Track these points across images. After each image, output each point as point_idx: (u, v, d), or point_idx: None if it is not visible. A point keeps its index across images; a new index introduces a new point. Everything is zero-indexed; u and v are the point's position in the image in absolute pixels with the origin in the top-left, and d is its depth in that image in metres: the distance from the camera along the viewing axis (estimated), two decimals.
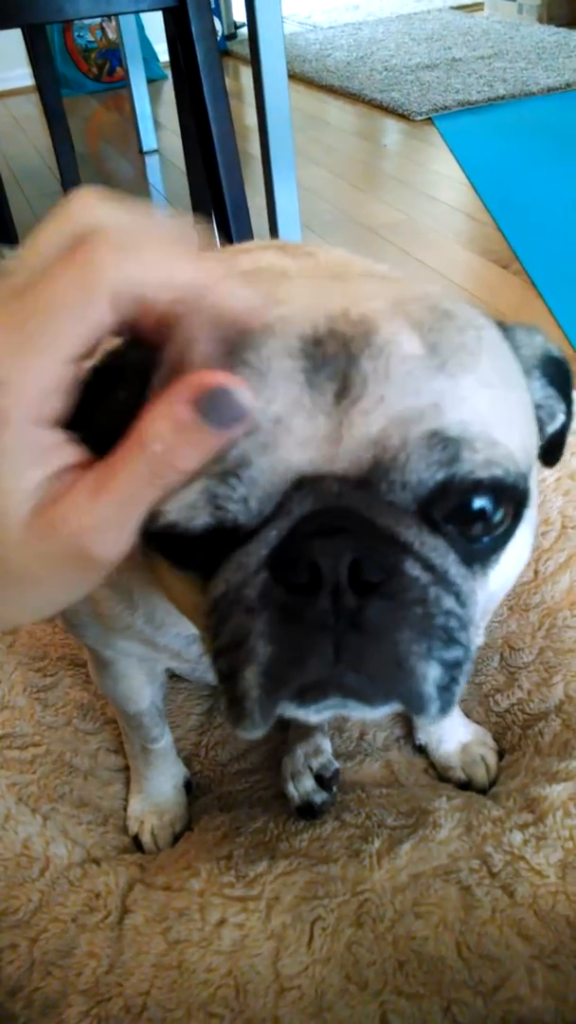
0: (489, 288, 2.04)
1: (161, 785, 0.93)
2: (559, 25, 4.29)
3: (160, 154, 3.34)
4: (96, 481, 0.36)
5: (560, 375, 0.53)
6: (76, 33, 4.27)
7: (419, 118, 3.26)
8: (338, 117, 3.59)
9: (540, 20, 4.43)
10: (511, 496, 0.43)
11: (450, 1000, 0.65)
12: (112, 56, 4.32)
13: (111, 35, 4.23)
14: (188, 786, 0.96)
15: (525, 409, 0.48)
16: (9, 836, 0.82)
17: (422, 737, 0.95)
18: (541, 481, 1.10)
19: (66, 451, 0.37)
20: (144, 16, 3.48)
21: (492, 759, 0.91)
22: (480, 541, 0.43)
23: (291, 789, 0.87)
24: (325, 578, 0.39)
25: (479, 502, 0.42)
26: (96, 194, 0.39)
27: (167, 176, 3.15)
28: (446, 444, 0.39)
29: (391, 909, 0.71)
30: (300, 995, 0.67)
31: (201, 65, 1.36)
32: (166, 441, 0.36)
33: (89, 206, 0.38)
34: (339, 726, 0.98)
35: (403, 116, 3.33)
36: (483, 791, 0.89)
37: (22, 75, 4.03)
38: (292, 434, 0.40)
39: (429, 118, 3.25)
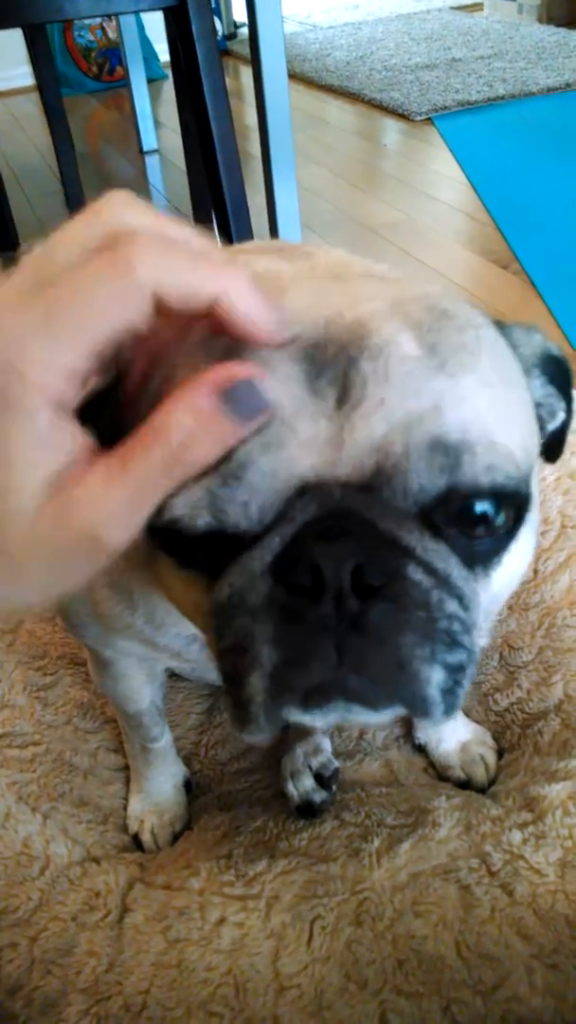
0: (488, 288, 2.04)
1: (161, 784, 0.93)
2: (559, 25, 4.29)
3: (160, 154, 3.33)
4: (110, 469, 0.36)
5: (559, 373, 0.53)
6: (76, 32, 4.27)
7: (419, 118, 3.26)
8: (338, 117, 3.59)
9: (540, 20, 4.43)
10: (512, 499, 0.43)
11: (449, 999, 0.65)
12: (112, 55, 4.32)
13: (111, 34, 4.23)
14: (188, 785, 0.96)
15: (525, 408, 0.48)
16: (9, 835, 0.82)
17: (421, 736, 0.95)
18: (541, 480, 1.10)
19: (79, 439, 0.38)
20: (144, 16, 3.48)
21: (491, 758, 0.92)
22: (482, 543, 0.43)
23: (291, 788, 0.87)
24: (328, 582, 0.39)
25: (481, 506, 0.42)
26: (127, 196, 0.39)
27: (167, 176, 3.15)
28: (448, 450, 0.40)
29: (390, 908, 0.71)
30: (300, 994, 0.67)
31: (201, 65, 1.36)
32: (186, 431, 0.36)
33: (120, 208, 0.39)
34: (339, 725, 0.98)
35: (403, 116, 3.33)
36: (482, 790, 0.89)
37: (22, 74, 4.04)
38: (296, 434, 0.40)
39: (429, 118, 3.25)
